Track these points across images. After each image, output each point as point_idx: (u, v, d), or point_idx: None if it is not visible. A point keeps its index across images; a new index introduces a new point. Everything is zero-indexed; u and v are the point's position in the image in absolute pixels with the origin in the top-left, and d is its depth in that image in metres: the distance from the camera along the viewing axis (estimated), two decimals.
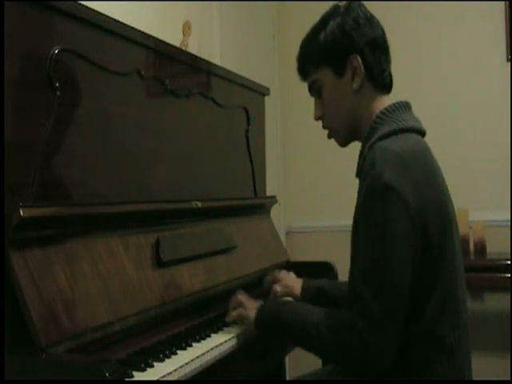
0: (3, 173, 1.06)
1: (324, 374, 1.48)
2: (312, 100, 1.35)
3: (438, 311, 1.13)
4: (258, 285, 1.74)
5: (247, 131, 2.06)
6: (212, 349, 1.22)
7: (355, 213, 1.18)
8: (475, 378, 1.25)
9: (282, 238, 3.01)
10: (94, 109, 1.31)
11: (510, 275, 2.53)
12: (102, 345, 1.13)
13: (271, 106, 2.66)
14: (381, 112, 1.23)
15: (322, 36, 1.26)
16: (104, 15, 1.32)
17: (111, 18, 1.35)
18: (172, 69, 1.62)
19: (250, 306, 1.34)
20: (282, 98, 3.34)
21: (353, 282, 1.15)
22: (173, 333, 1.31)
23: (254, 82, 2.12)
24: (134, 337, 1.22)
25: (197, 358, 1.16)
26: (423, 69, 3.06)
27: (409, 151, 1.14)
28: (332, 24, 1.25)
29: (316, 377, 1.50)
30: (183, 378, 1.10)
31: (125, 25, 1.39)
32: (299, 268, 1.86)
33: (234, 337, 1.31)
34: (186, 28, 2.26)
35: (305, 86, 1.35)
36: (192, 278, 1.47)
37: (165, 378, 1.05)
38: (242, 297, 1.40)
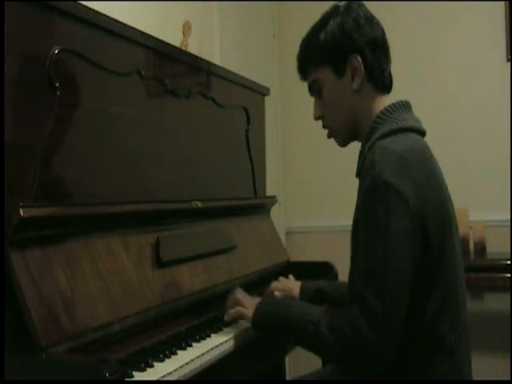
0: (3, 173, 1.06)
1: (324, 374, 1.48)
2: (312, 100, 1.35)
3: (437, 311, 1.13)
4: (258, 285, 1.74)
5: (247, 131, 2.06)
6: (212, 349, 1.22)
7: (355, 213, 1.18)
8: (475, 377, 1.25)
9: (282, 238, 3.01)
10: (93, 109, 1.31)
11: (510, 275, 2.53)
12: (102, 345, 1.13)
13: (271, 106, 2.66)
14: (381, 112, 1.23)
15: (322, 35, 1.26)
16: (104, 15, 1.32)
17: (111, 18, 1.35)
18: (172, 69, 1.62)
19: (247, 304, 1.33)
20: (282, 98, 3.34)
21: (353, 282, 1.14)
22: (173, 333, 1.31)
23: (254, 82, 2.12)
24: (133, 337, 1.22)
25: (197, 357, 1.16)
26: (423, 69, 3.06)
27: (409, 151, 1.14)
28: (332, 24, 1.25)
29: (316, 377, 1.50)
30: (183, 378, 1.10)
31: (125, 25, 1.39)
32: (299, 268, 1.86)
33: (234, 337, 1.31)
34: (186, 28, 2.26)
35: (305, 85, 1.35)
36: (192, 278, 1.47)
37: (165, 378, 1.05)
38: (239, 294, 1.39)
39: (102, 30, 1.32)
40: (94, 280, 1.16)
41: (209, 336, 1.30)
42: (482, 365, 2.46)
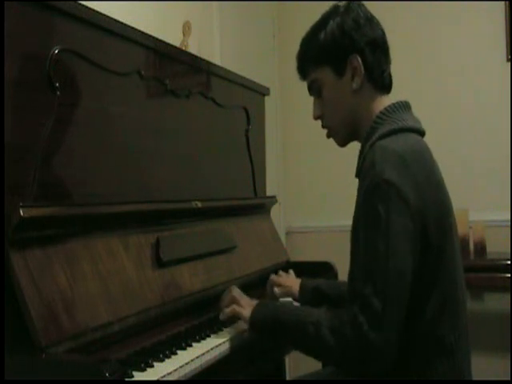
0: (3, 173, 1.06)
1: (324, 375, 1.48)
2: (312, 100, 1.35)
3: (437, 311, 1.13)
4: (258, 285, 1.74)
5: (247, 131, 2.06)
6: (212, 349, 1.22)
7: (355, 212, 1.18)
8: (475, 377, 1.25)
9: (282, 238, 3.01)
10: (93, 109, 1.31)
11: (510, 275, 2.53)
12: (102, 345, 1.13)
13: (271, 106, 2.66)
14: (381, 112, 1.23)
15: (322, 35, 1.26)
16: (104, 15, 1.32)
17: (111, 18, 1.35)
18: (172, 69, 1.62)
19: (244, 303, 1.31)
20: (282, 98, 3.34)
21: (352, 281, 1.14)
22: (173, 333, 1.31)
23: (254, 82, 2.12)
24: (133, 337, 1.22)
25: (197, 357, 1.16)
26: (423, 69, 3.06)
27: (409, 151, 1.14)
28: (332, 24, 1.25)
29: (316, 377, 1.50)
30: (183, 378, 1.10)
31: (125, 25, 1.39)
32: (299, 268, 1.86)
33: (234, 337, 1.31)
34: (186, 28, 2.26)
35: (305, 86, 1.35)
36: (192, 278, 1.47)
37: (165, 378, 1.05)
38: (235, 292, 1.37)
39: (102, 29, 1.32)
40: (93, 280, 1.16)
41: (209, 336, 1.30)
42: (482, 365, 2.47)
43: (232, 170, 1.97)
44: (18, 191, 1.10)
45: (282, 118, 3.36)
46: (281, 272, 1.75)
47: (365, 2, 1.30)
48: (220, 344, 1.26)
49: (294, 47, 1.35)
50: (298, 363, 3.00)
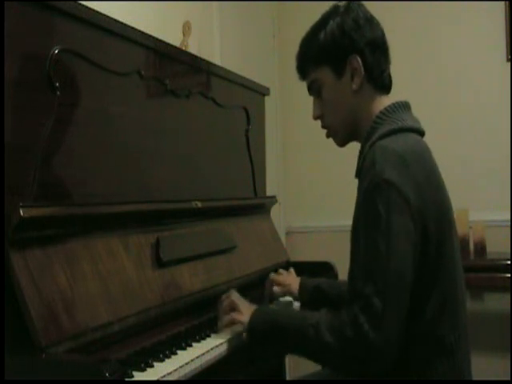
0: (3, 173, 1.06)
1: (324, 375, 1.48)
2: (312, 100, 1.35)
3: (437, 311, 1.13)
4: (258, 285, 1.74)
5: (247, 131, 2.06)
6: (212, 349, 1.22)
7: (355, 211, 1.18)
8: (475, 377, 1.25)
9: (282, 238, 3.01)
10: (94, 109, 1.31)
11: (510, 275, 2.53)
12: (102, 345, 1.13)
13: (271, 106, 2.66)
14: (380, 112, 1.23)
15: (321, 35, 1.26)
16: (104, 15, 1.32)
17: (111, 18, 1.35)
18: (172, 69, 1.62)
19: (243, 309, 1.29)
20: (282, 98, 3.34)
21: (353, 280, 1.14)
22: (173, 333, 1.31)
23: (254, 82, 2.12)
24: (133, 337, 1.22)
25: (197, 357, 1.16)
26: (423, 69, 3.06)
27: (409, 151, 1.14)
28: (332, 24, 1.25)
29: (316, 377, 1.50)
30: (183, 378, 1.10)
31: (125, 25, 1.39)
32: (299, 268, 1.86)
33: (234, 337, 1.31)
34: (186, 28, 2.26)
35: (305, 86, 1.35)
36: (192, 278, 1.47)
37: (165, 378, 1.05)
38: (235, 297, 1.35)
39: (102, 29, 1.32)
40: (93, 280, 1.16)
41: (209, 336, 1.30)
42: (482, 365, 2.47)
43: (232, 170, 1.97)
44: (18, 191, 1.10)
45: (282, 118, 3.37)
46: (281, 270, 1.75)
47: (365, 2, 1.30)
48: (220, 344, 1.26)
49: (294, 47, 1.35)
50: (298, 363, 2.99)
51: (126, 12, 1.75)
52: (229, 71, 1.94)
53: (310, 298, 1.58)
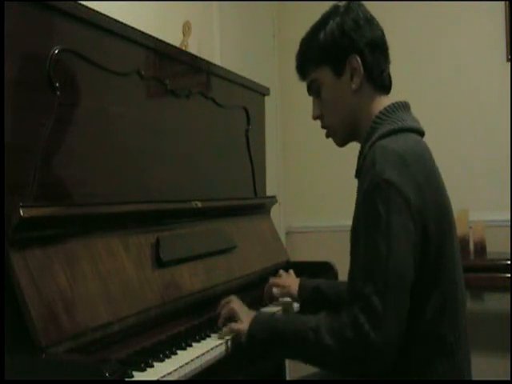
0: (3, 173, 1.06)
1: (324, 375, 1.48)
2: (312, 100, 1.35)
3: (437, 311, 1.13)
4: (258, 285, 1.74)
5: (247, 131, 2.06)
6: (212, 349, 1.22)
7: (355, 212, 1.18)
8: (475, 377, 1.25)
9: (282, 238, 3.01)
10: (94, 109, 1.31)
11: (510, 275, 2.53)
12: (102, 345, 1.13)
13: (271, 106, 2.66)
14: (380, 112, 1.23)
15: (321, 35, 1.26)
16: (104, 15, 1.32)
17: (111, 18, 1.35)
18: (172, 69, 1.62)
19: (242, 318, 1.29)
20: (282, 98, 3.34)
21: (352, 280, 1.13)
22: (173, 333, 1.31)
23: (254, 82, 2.12)
24: (133, 337, 1.22)
25: (197, 357, 1.16)
26: (423, 69, 3.06)
27: (409, 151, 1.14)
28: (332, 24, 1.25)
29: (316, 377, 1.50)
30: (183, 378, 1.10)
31: (125, 25, 1.39)
32: (299, 268, 1.86)
33: (234, 337, 1.31)
34: (186, 28, 2.26)
35: (304, 86, 1.35)
36: (192, 278, 1.47)
37: (165, 378, 1.05)
38: (235, 304, 1.34)
39: (102, 29, 1.32)
40: (93, 280, 1.16)
41: (209, 336, 1.30)
42: (482, 365, 2.46)
43: (232, 169, 1.97)
44: (18, 191, 1.10)
45: (282, 118, 3.36)
46: (281, 271, 1.75)
47: (365, 2, 1.30)
48: (220, 344, 1.26)
49: (294, 47, 1.35)
50: (298, 363, 2.99)
51: (126, 12, 1.75)
52: (229, 71, 1.94)
53: (310, 299, 1.58)
